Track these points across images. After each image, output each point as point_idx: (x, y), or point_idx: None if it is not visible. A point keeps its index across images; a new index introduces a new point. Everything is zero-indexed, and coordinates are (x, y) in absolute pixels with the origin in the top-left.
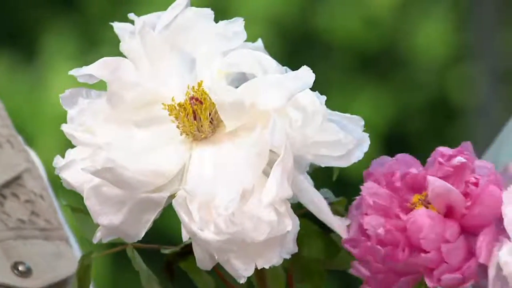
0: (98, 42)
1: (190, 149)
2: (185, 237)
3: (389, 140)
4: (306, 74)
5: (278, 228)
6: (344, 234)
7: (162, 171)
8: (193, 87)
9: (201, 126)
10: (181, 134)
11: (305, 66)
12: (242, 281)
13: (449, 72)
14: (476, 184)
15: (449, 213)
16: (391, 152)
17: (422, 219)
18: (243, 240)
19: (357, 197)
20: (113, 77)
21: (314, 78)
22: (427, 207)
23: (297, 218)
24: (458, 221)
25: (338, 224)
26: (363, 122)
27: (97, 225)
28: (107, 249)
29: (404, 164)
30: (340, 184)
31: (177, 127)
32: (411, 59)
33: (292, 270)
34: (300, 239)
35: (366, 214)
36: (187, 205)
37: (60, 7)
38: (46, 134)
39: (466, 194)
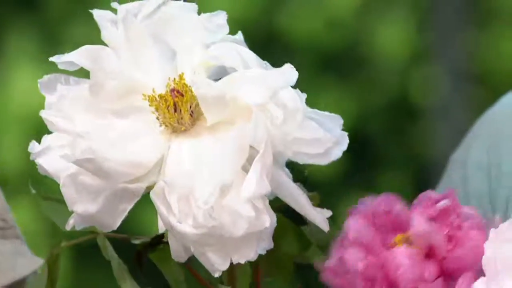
0: (61, 42)
1: (169, 140)
2: (161, 228)
3: (351, 140)
4: (289, 71)
5: (256, 224)
6: (325, 228)
7: (140, 162)
8: (174, 79)
9: (181, 118)
10: (160, 126)
11: (288, 63)
12: (217, 275)
13: (411, 72)
14: (459, 228)
15: (430, 254)
16: (352, 151)
17: (401, 257)
18: (221, 234)
19: (342, 232)
20: (96, 66)
21: (297, 76)
22: (409, 246)
23: (274, 215)
24: (438, 262)
25: (319, 217)
26: (342, 121)
27: (69, 214)
28: (76, 239)
29: (389, 203)
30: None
31: (157, 118)
32: (372, 59)
33: (260, 264)
34: (273, 234)
35: (348, 248)
36: (166, 197)
37: (21, 7)
38: (8, 133)
39: (449, 237)
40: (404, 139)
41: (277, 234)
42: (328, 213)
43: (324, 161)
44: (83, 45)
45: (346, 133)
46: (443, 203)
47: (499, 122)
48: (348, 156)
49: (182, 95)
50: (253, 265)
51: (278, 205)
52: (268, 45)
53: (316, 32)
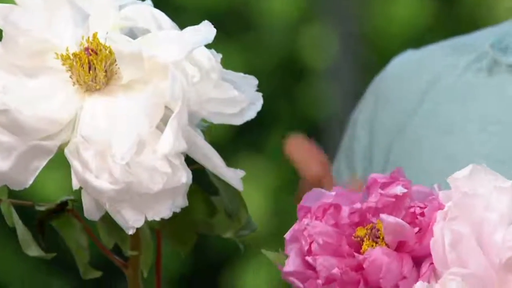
0: None
1: (82, 99)
2: (75, 186)
3: None
4: (206, 29)
5: (173, 180)
6: (239, 187)
7: (54, 119)
8: (88, 38)
9: (96, 77)
10: (73, 85)
11: (206, 21)
12: (131, 232)
13: (300, 33)
14: (423, 215)
15: (399, 247)
16: None
17: (381, 258)
18: (137, 190)
19: (291, 229)
20: (7, 22)
21: (214, 33)
22: (376, 241)
23: (190, 172)
24: (409, 254)
25: (233, 177)
26: (256, 82)
27: None
28: None
29: (343, 198)
30: None
31: (70, 77)
32: (261, 20)
33: (162, 232)
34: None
35: (312, 252)
36: (81, 153)
37: None
38: None
39: (414, 225)
40: (293, 100)
41: None
42: (241, 173)
43: (238, 121)
44: None
45: (260, 94)
46: (399, 190)
47: (387, 80)
48: None
49: (97, 53)
50: (156, 234)
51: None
52: (157, 5)
53: None
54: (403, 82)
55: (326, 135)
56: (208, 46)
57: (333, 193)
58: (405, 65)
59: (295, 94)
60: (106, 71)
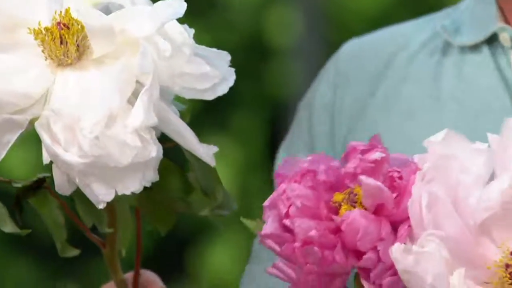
0: None
1: (54, 73)
2: (45, 160)
3: None
4: (177, 4)
5: (143, 154)
6: (211, 163)
7: (26, 93)
8: (60, 12)
9: (68, 51)
10: (46, 59)
11: None
12: (101, 206)
13: (265, 13)
14: (401, 178)
15: (378, 210)
16: None
17: (358, 220)
18: (106, 163)
19: (270, 197)
20: None
21: (185, 8)
22: (353, 206)
23: (161, 146)
24: (387, 218)
25: (205, 153)
26: (229, 57)
27: None
28: None
29: (320, 162)
30: None
31: (42, 51)
32: None
33: (141, 211)
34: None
35: (290, 215)
36: (51, 127)
37: None
38: None
39: (392, 189)
40: (259, 78)
41: (160, 177)
42: (214, 149)
43: (210, 96)
44: None
45: (233, 70)
46: (378, 155)
47: (343, 63)
48: None
49: (68, 28)
50: (135, 214)
51: (163, 147)
52: None
53: None
54: (360, 64)
55: (291, 113)
56: None
57: (309, 158)
58: (360, 47)
59: (260, 73)
60: (78, 46)
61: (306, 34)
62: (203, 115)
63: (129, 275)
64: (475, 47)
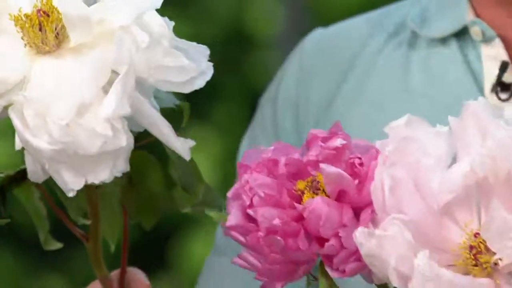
0: None
1: (32, 61)
2: (17, 145)
3: None
4: None
5: (112, 143)
6: (186, 156)
7: (2, 79)
8: (42, 0)
9: (46, 38)
10: (25, 46)
11: None
12: (71, 194)
13: (246, 4)
14: (362, 165)
15: (340, 197)
16: None
17: (320, 207)
18: (75, 151)
19: (233, 188)
20: None
21: None
22: (316, 193)
23: (132, 137)
24: (349, 205)
25: (181, 147)
26: (208, 52)
27: None
28: None
29: (282, 152)
30: None
31: (22, 38)
32: None
33: (126, 206)
34: (137, 171)
35: (253, 205)
36: (23, 112)
37: None
38: None
39: (354, 175)
40: (240, 70)
41: (142, 171)
42: (191, 142)
43: (186, 89)
44: None
45: (211, 64)
46: (339, 142)
47: (308, 57)
48: None
49: (48, 15)
50: (122, 209)
51: (144, 142)
52: None
53: None
54: (326, 56)
55: None
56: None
57: (272, 148)
58: (326, 39)
59: (241, 65)
60: (57, 34)
61: (288, 25)
62: None
63: (115, 273)
64: (443, 40)
